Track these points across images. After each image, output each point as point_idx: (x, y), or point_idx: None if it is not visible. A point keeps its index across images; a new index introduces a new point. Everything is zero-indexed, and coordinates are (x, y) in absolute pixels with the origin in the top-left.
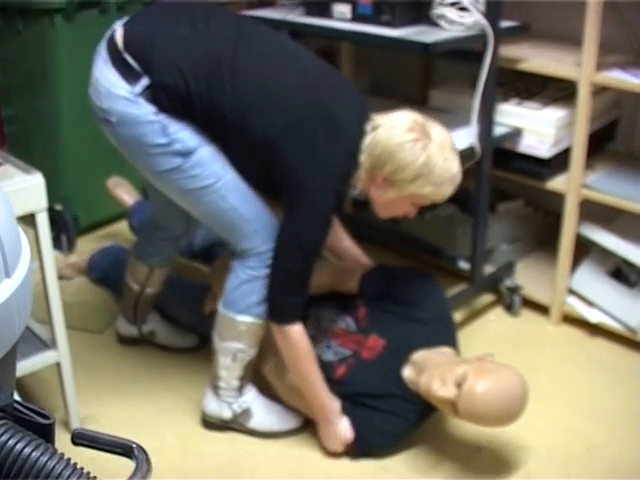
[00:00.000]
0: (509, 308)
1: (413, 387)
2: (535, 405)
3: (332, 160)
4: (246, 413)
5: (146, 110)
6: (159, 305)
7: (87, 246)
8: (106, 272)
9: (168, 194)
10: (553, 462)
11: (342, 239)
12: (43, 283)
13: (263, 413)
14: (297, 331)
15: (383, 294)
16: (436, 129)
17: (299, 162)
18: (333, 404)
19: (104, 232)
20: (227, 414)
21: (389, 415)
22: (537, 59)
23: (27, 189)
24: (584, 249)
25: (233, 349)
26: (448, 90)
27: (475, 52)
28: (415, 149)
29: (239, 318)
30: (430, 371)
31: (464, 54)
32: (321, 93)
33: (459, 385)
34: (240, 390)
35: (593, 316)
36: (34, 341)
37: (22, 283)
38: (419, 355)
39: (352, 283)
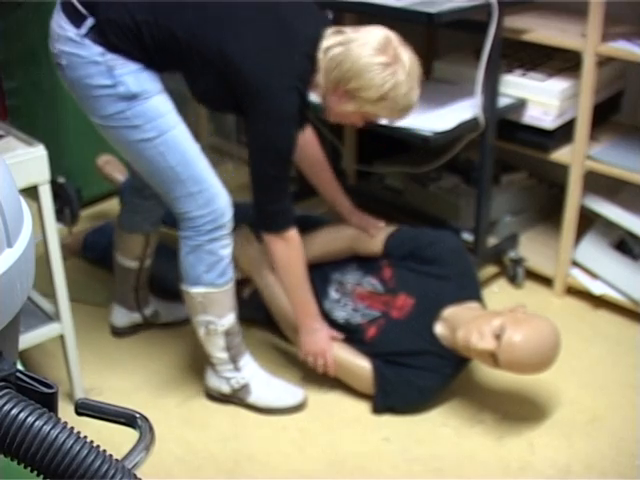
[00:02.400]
0: (513, 280)
1: (446, 343)
2: (538, 377)
3: (289, 60)
4: (245, 389)
5: (92, 51)
6: (154, 281)
7: (82, 225)
8: (104, 251)
9: (114, 145)
10: (556, 433)
11: (338, 194)
12: (46, 256)
13: (262, 389)
14: (294, 235)
15: (407, 254)
16: (407, 55)
17: (257, 67)
18: (317, 312)
19: (94, 211)
20: (226, 389)
21: (424, 371)
22: (542, 30)
23: (30, 161)
24: (588, 221)
25: (202, 322)
26: (452, 61)
27: (479, 22)
28: (384, 74)
29: (193, 290)
30: (466, 325)
31: (468, 25)
32: (274, 3)
33: (497, 337)
34: (235, 364)
35: (597, 288)
36: (38, 314)
37: (24, 253)
38: (449, 311)
39: (374, 245)
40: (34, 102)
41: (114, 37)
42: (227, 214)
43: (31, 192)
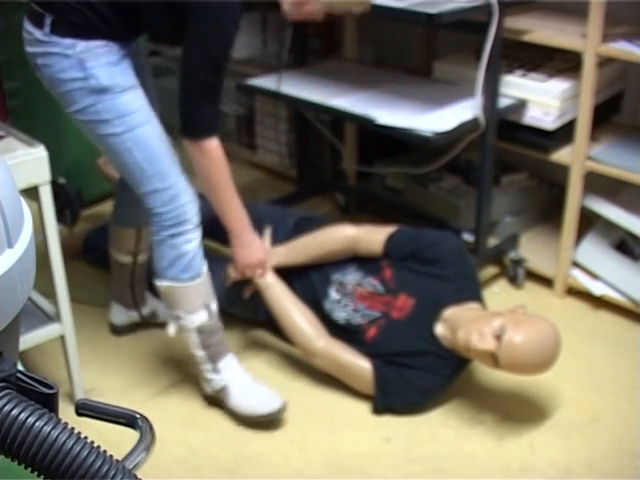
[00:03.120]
0: (513, 280)
1: (447, 343)
2: (538, 377)
3: None
4: (224, 391)
5: (62, 45)
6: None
7: (82, 225)
8: (104, 252)
9: (91, 139)
10: (556, 434)
11: None
12: (46, 256)
13: (240, 395)
14: (214, 146)
15: (408, 254)
16: None
17: None
18: (247, 223)
19: (94, 211)
20: (208, 390)
21: (425, 372)
22: (542, 30)
23: (30, 162)
24: (588, 221)
25: (173, 316)
26: (452, 61)
27: (480, 23)
28: None
29: (158, 283)
30: (466, 326)
31: (469, 25)
32: None
33: (498, 337)
34: (214, 364)
35: (597, 288)
36: (38, 314)
37: (24, 253)
38: (450, 312)
39: (375, 246)
40: (35, 103)
41: (75, 20)
42: (190, 210)
43: (31, 193)
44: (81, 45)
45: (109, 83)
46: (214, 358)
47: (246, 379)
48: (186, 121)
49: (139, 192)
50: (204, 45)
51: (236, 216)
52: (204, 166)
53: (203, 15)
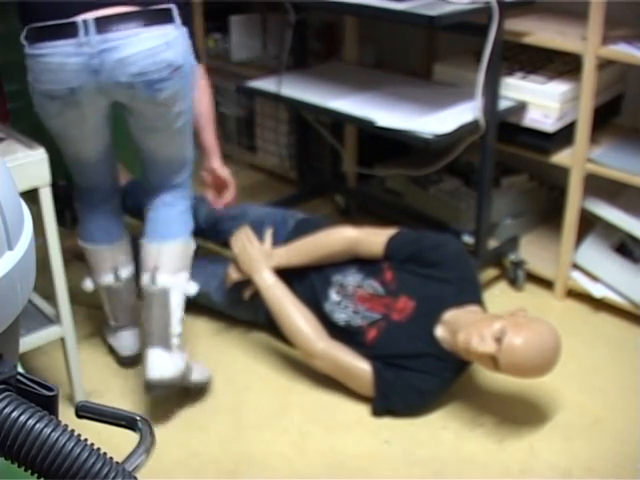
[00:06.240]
0: (513, 283)
1: (447, 346)
2: (538, 380)
3: None
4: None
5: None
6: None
7: None
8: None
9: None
10: (557, 436)
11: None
12: (47, 258)
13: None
14: None
15: (408, 257)
16: None
17: None
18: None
19: None
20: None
21: (424, 374)
22: (542, 32)
23: (30, 164)
24: (589, 224)
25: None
26: (452, 64)
27: (480, 25)
28: None
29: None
30: (466, 329)
31: (469, 27)
32: None
33: (498, 340)
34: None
35: (597, 291)
36: (38, 316)
37: (24, 255)
38: (450, 314)
39: (376, 248)
40: None
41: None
42: None
43: (32, 195)
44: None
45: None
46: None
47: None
48: None
49: (186, 167)
50: None
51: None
52: None
53: None
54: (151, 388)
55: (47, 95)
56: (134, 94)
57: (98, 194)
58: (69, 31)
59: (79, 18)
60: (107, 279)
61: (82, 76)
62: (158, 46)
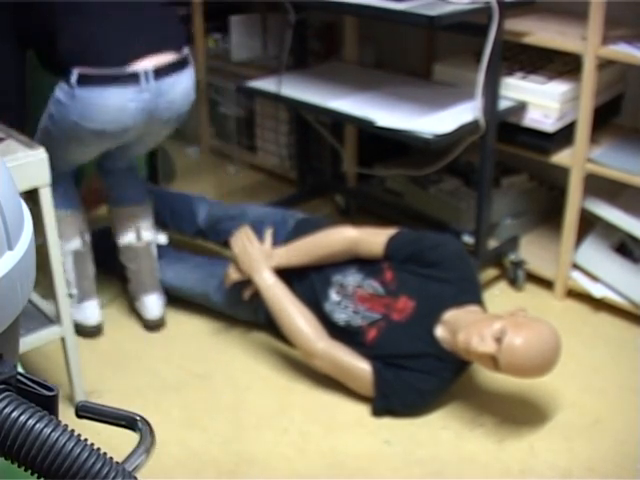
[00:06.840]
0: (513, 282)
1: (447, 346)
2: (539, 380)
3: None
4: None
5: None
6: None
7: None
8: (104, 254)
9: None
10: (557, 436)
11: None
12: (47, 258)
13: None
14: None
15: (408, 257)
16: None
17: None
18: None
19: (92, 214)
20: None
21: (424, 374)
22: (542, 32)
23: (30, 164)
24: (588, 224)
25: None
26: (452, 64)
27: (480, 25)
28: None
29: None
30: (466, 329)
31: (469, 27)
32: None
33: (498, 340)
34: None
35: (597, 291)
36: (38, 316)
37: (24, 255)
38: (450, 314)
39: (376, 248)
40: (36, 105)
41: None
42: None
43: (32, 195)
44: None
45: None
46: None
47: None
48: None
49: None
50: None
51: None
52: None
53: None
54: (152, 326)
55: (96, 133)
56: (165, 126)
57: (69, 172)
58: (132, 79)
59: (139, 68)
60: (75, 244)
61: (138, 117)
62: (190, 86)
